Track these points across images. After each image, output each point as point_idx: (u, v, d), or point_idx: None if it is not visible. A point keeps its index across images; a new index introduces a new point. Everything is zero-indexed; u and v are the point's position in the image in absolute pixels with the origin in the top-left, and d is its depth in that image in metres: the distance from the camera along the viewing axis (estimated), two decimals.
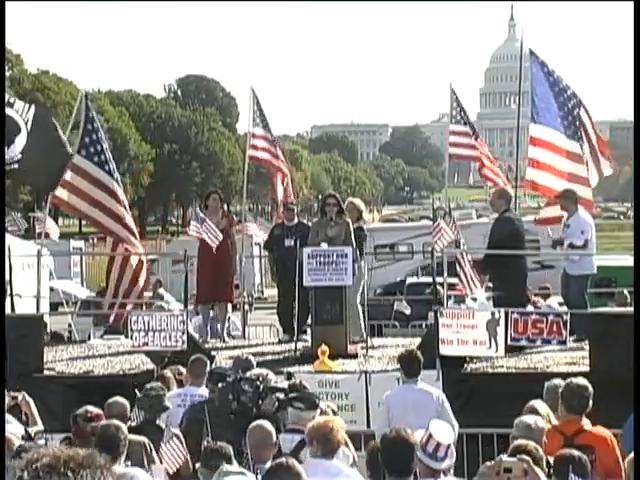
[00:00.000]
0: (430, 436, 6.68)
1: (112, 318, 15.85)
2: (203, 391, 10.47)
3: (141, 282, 15.30)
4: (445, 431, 6.83)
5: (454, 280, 17.83)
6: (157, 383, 9.75)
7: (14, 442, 7.61)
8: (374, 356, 13.67)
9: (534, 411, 8.42)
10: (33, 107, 14.46)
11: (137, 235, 15.53)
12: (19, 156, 14.05)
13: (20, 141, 14.06)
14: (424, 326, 19.15)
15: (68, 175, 14.81)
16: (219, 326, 15.57)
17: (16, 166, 14.08)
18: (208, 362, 10.86)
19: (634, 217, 14.71)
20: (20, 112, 14.20)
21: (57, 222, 44.24)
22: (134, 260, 15.25)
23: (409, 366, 10.31)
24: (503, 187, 16.13)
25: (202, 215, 14.92)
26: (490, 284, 15.13)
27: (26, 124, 14.17)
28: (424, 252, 29.74)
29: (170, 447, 8.17)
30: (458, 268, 14.89)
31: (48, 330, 17.66)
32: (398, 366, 10.76)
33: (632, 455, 6.57)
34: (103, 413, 8.26)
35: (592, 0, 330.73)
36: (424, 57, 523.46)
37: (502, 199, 14.86)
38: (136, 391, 9.76)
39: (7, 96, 14.57)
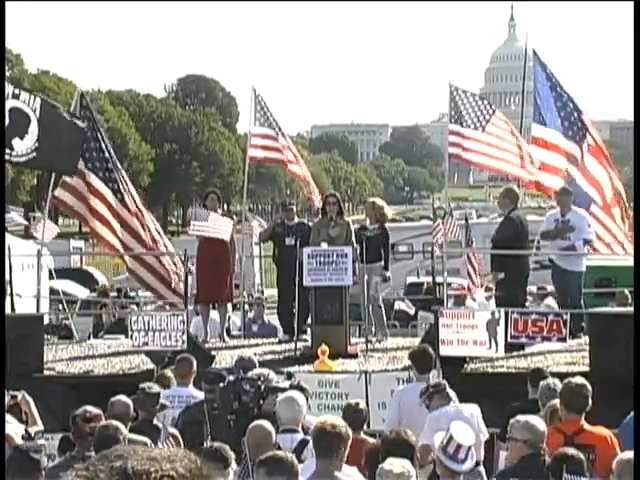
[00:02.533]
0: (451, 438, 6.56)
1: None
2: (191, 391, 10.47)
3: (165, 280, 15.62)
4: (466, 433, 6.70)
5: (454, 279, 17.79)
6: (152, 383, 9.73)
7: (14, 439, 7.61)
8: (374, 356, 13.66)
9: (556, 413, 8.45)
10: (38, 97, 14.48)
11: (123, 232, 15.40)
12: (36, 144, 14.05)
13: (33, 130, 14.05)
14: (424, 326, 19.13)
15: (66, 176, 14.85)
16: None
17: (34, 155, 14.07)
18: (194, 361, 10.84)
19: (634, 217, 14.69)
20: (27, 102, 14.14)
21: (57, 222, 44.18)
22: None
23: (421, 362, 10.25)
24: (508, 186, 15.79)
25: (206, 211, 14.89)
26: (491, 284, 15.12)
27: (34, 112, 14.11)
28: (424, 252, 29.73)
29: (166, 447, 8.15)
30: (468, 266, 14.88)
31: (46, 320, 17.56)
32: (408, 363, 10.65)
33: (620, 457, 6.45)
34: (105, 412, 8.24)
35: (592, 0, 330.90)
36: (424, 57, 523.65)
37: (506, 199, 14.66)
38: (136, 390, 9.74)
39: (12, 88, 14.35)
